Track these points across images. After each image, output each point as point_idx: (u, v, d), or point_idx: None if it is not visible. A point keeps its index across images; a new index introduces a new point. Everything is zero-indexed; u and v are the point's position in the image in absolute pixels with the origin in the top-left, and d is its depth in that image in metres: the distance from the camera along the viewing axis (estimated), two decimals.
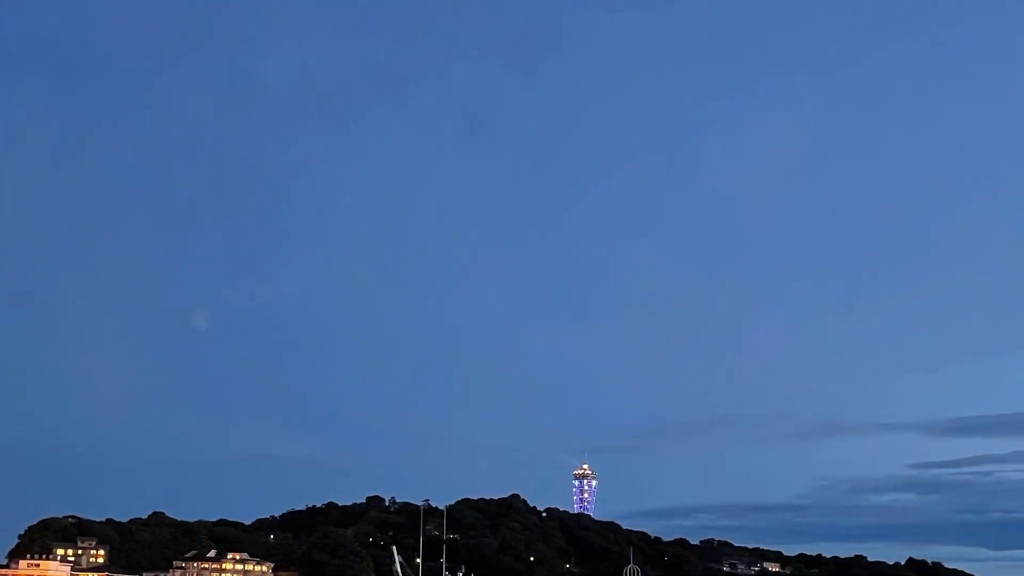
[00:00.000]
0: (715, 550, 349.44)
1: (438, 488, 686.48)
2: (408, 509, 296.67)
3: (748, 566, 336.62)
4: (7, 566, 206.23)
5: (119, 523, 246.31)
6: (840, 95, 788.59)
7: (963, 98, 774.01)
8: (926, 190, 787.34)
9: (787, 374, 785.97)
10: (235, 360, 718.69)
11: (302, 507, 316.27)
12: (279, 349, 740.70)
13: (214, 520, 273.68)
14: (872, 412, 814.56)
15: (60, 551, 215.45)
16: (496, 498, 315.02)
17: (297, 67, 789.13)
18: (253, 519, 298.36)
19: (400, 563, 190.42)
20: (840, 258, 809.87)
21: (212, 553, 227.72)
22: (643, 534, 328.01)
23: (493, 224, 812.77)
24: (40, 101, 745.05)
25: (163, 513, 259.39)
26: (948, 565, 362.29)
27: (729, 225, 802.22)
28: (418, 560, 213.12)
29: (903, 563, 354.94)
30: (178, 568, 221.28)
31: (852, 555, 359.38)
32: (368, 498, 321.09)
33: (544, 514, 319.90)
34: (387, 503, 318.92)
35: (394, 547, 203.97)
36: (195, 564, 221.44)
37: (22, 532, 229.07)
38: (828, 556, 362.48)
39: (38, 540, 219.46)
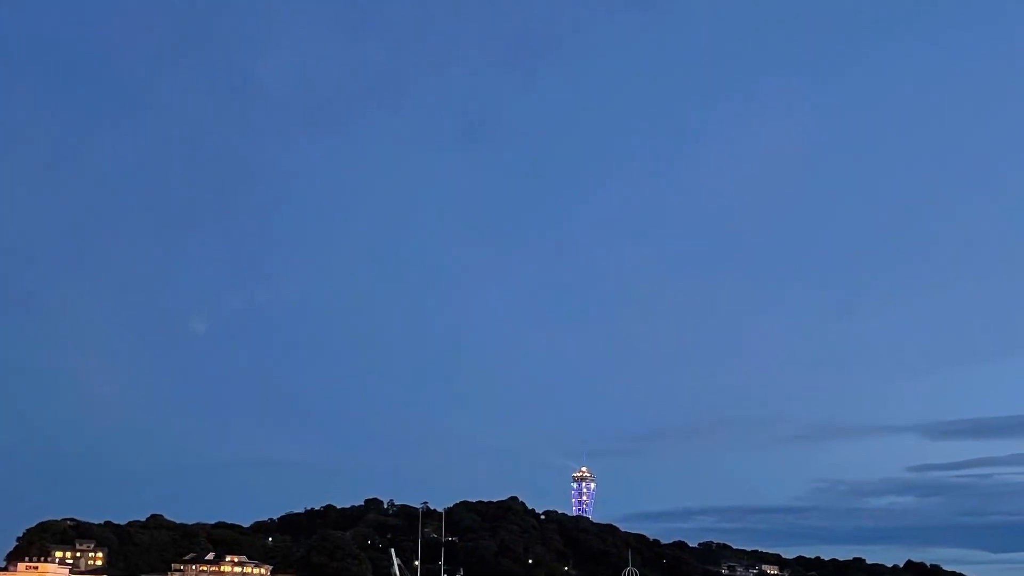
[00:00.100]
0: (714, 553, 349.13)
1: (436, 490, 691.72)
2: (406, 511, 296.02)
3: (747, 569, 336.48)
4: (5, 569, 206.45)
5: (117, 525, 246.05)
6: (840, 96, 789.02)
7: (963, 99, 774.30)
8: (926, 192, 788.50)
9: (786, 376, 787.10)
10: (234, 362, 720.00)
11: (300, 509, 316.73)
12: (278, 351, 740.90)
13: (212, 523, 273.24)
14: (871, 414, 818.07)
15: (58, 554, 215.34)
16: (494, 500, 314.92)
17: (296, 69, 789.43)
18: (251, 521, 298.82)
19: (399, 565, 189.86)
20: (839, 260, 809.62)
21: (210, 556, 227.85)
22: (642, 537, 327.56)
23: (492, 226, 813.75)
24: (39, 102, 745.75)
25: (161, 515, 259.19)
26: (947, 568, 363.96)
27: (728, 227, 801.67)
28: (416, 562, 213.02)
29: (902, 566, 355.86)
30: (176, 571, 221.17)
31: (851, 557, 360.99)
32: (366, 500, 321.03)
33: (543, 517, 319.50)
34: (385, 505, 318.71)
35: (392, 549, 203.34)
36: (193, 567, 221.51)
37: (20, 535, 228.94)
38: (827, 558, 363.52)
39: (36, 543, 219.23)
